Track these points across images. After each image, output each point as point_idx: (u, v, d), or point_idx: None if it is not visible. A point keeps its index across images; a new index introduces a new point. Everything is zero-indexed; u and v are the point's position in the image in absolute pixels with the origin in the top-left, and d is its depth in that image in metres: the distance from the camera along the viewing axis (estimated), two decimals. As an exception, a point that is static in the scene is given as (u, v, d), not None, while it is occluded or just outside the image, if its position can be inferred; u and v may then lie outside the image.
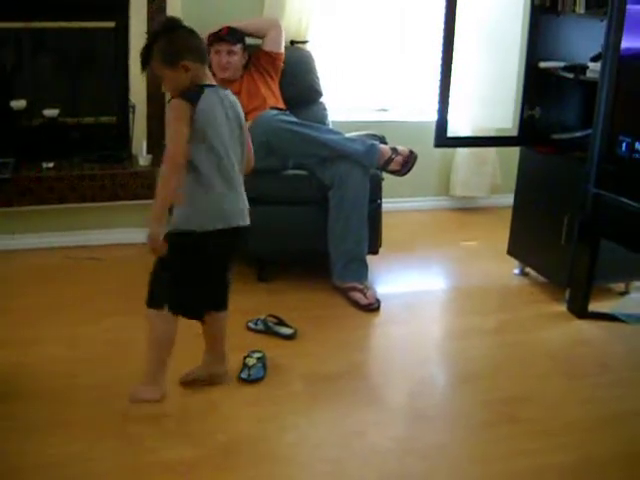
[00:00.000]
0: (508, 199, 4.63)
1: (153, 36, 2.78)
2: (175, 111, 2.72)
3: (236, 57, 4.40)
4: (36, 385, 3.06)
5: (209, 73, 2.84)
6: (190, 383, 3.05)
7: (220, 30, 4.42)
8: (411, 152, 4.09)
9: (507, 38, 4.71)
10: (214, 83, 2.83)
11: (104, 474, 2.54)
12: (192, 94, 2.72)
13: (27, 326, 3.56)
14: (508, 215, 4.52)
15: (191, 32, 2.81)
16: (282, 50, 4.61)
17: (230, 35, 4.39)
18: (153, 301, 2.83)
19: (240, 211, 2.85)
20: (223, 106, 2.79)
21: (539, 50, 4.21)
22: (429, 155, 4.18)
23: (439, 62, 4.11)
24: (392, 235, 4.41)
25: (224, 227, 2.79)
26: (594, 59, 3.95)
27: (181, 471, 2.58)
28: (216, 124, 2.76)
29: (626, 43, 3.54)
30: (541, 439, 2.87)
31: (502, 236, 4.54)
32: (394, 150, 4.05)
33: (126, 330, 3.28)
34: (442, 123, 4.18)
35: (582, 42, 4.14)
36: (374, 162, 4.02)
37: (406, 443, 2.83)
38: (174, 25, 2.83)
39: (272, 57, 4.57)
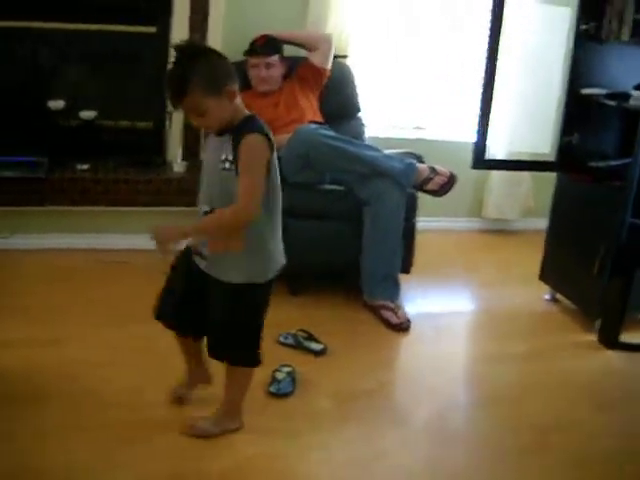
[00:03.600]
0: (541, 223, 4.60)
1: (187, 62, 2.41)
2: (259, 152, 2.47)
3: (275, 69, 4.39)
4: (59, 387, 3.05)
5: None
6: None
7: (256, 40, 4.41)
8: (452, 174, 4.05)
9: (549, 63, 4.68)
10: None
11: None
12: (262, 127, 2.49)
13: (55, 326, 3.56)
14: (540, 239, 4.48)
15: (220, 54, 2.55)
16: (329, 67, 4.58)
17: (265, 47, 4.37)
18: (255, 359, 2.78)
19: None
20: None
21: (581, 76, 4.17)
22: (463, 175, 4.15)
23: (481, 84, 4.08)
24: (423, 255, 4.36)
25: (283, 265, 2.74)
26: (638, 87, 3.93)
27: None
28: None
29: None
30: (573, 470, 2.83)
31: (533, 260, 4.50)
32: (432, 170, 4.01)
33: (151, 338, 3.25)
34: (481, 145, 4.16)
35: (626, 70, 4.11)
36: (411, 181, 3.98)
37: (433, 465, 2.80)
38: (204, 48, 2.60)
39: (318, 72, 4.54)
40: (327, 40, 4.59)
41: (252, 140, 2.46)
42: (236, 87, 2.49)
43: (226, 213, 2.50)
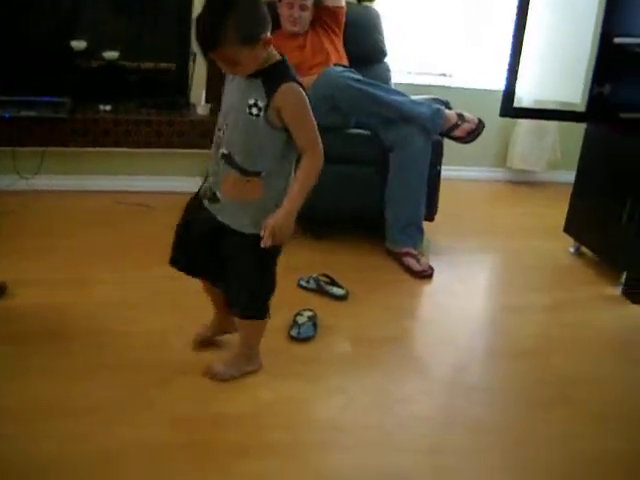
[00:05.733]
0: (566, 176, 4.54)
1: (220, 9, 2.26)
2: (305, 100, 2.41)
3: (307, 12, 4.30)
4: (85, 327, 3.04)
5: None
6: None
7: None
8: (480, 121, 3.99)
9: (582, 11, 4.57)
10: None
11: (145, 423, 2.51)
12: (295, 75, 2.44)
13: (77, 267, 3.56)
14: (565, 192, 4.43)
15: None
16: (343, 3, 4.48)
17: None
18: (263, 312, 2.72)
19: None
20: None
21: (615, 25, 4.08)
22: (488, 125, 4.08)
23: (511, 30, 4.00)
24: (447, 203, 4.33)
25: None
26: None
27: (225, 426, 2.55)
28: None
29: None
30: (595, 424, 2.80)
31: (558, 213, 4.46)
32: (460, 116, 3.96)
33: (175, 279, 3.23)
34: (510, 92, 4.09)
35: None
36: (438, 127, 3.93)
37: (453, 415, 2.76)
38: None
39: (334, 12, 4.44)
40: None
41: (295, 90, 2.40)
42: (269, 33, 2.37)
43: (309, 169, 2.46)
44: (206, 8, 2.34)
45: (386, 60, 4.73)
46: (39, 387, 2.63)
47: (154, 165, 4.62)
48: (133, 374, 2.76)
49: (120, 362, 2.82)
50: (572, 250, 4.40)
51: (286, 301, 3.04)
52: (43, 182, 4.43)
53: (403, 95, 3.99)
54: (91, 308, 3.20)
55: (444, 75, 5.47)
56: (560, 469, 2.54)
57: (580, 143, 4.31)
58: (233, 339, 2.92)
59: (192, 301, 3.03)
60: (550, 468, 2.54)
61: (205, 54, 2.35)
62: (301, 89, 2.42)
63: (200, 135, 4.46)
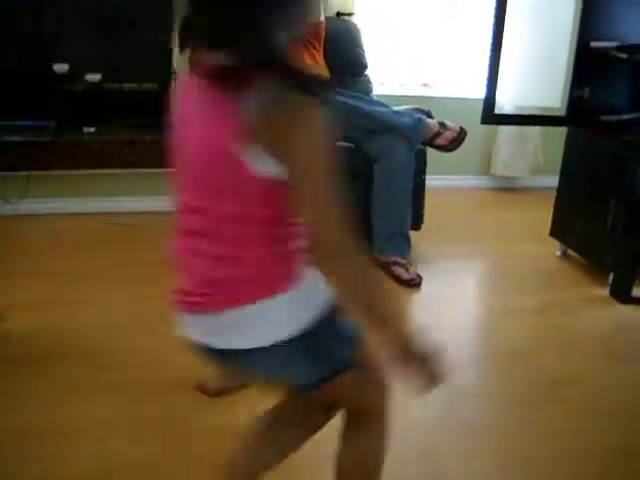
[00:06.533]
0: (549, 180, 4.58)
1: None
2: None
3: None
4: (76, 347, 3.07)
5: None
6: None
7: None
8: (461, 129, 4.04)
9: (558, 16, 4.61)
10: None
11: (140, 441, 2.54)
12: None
13: (67, 290, 3.57)
14: (549, 197, 4.46)
15: None
16: (322, 18, 4.48)
17: None
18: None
19: None
20: None
21: (591, 29, 4.12)
22: (471, 133, 4.12)
23: (490, 38, 4.02)
24: (433, 212, 4.36)
25: None
26: (649, 39, 3.88)
27: (223, 439, 2.53)
28: None
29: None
30: (587, 421, 2.84)
31: (543, 218, 4.49)
32: (442, 125, 4.00)
33: (159, 299, 3.26)
34: (490, 100, 4.11)
35: (637, 22, 4.06)
36: (421, 136, 3.97)
37: (448, 420, 2.80)
38: None
39: (313, 27, 4.45)
40: None
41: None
42: None
43: None
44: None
45: (367, 72, 4.75)
46: (32, 409, 2.63)
47: (139, 185, 4.63)
48: (126, 393, 2.77)
49: (113, 382, 2.84)
50: (559, 253, 4.43)
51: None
52: (29, 206, 4.43)
53: (385, 106, 4.04)
54: (82, 330, 3.21)
55: (425, 85, 5.50)
56: (554, 466, 2.58)
57: (561, 148, 4.35)
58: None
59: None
60: (544, 465, 2.58)
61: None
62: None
63: (185, 153, 4.47)
